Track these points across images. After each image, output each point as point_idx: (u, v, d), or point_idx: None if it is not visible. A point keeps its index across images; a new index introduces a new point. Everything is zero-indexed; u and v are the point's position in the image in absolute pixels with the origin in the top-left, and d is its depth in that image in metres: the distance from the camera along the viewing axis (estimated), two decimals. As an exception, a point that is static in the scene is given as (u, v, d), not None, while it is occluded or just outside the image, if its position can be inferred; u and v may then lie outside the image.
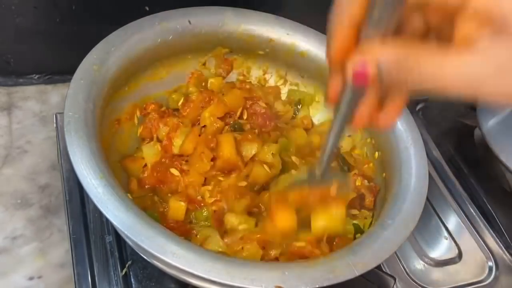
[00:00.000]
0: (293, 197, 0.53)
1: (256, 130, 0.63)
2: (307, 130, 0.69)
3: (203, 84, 0.68)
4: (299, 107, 0.72)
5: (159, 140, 0.62)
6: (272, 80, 0.73)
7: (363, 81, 0.32)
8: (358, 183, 0.63)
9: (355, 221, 0.61)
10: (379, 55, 0.31)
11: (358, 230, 0.60)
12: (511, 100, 0.32)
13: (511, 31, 0.29)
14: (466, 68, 0.30)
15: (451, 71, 0.30)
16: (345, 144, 0.69)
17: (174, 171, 0.59)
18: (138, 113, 0.64)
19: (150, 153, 0.61)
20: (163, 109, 0.64)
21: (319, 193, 0.52)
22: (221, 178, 0.59)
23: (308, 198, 0.52)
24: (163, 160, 0.60)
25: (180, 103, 0.65)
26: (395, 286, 0.60)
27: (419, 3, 0.33)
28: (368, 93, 0.36)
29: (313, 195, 0.52)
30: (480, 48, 0.30)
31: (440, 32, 0.34)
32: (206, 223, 0.57)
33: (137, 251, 0.56)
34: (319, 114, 0.72)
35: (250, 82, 0.71)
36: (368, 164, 0.66)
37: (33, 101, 0.76)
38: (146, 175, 0.60)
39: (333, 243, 0.57)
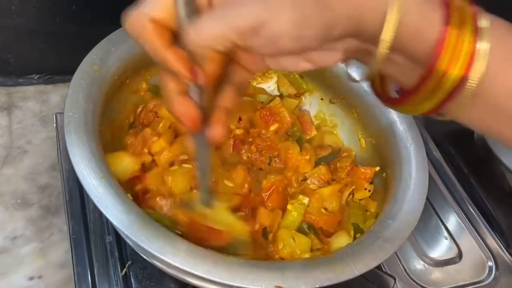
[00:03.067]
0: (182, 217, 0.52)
1: None
2: None
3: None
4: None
5: None
6: (272, 80, 0.73)
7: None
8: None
9: (354, 221, 0.61)
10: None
11: (358, 230, 0.60)
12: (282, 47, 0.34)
13: None
14: (224, 23, 0.33)
15: (212, 28, 0.34)
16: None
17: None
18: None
19: None
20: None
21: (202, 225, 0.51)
22: None
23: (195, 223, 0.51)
24: None
25: None
26: (395, 286, 0.60)
27: None
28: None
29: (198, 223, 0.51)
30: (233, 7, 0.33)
31: None
32: None
33: (137, 251, 0.56)
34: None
35: None
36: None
37: (33, 101, 0.77)
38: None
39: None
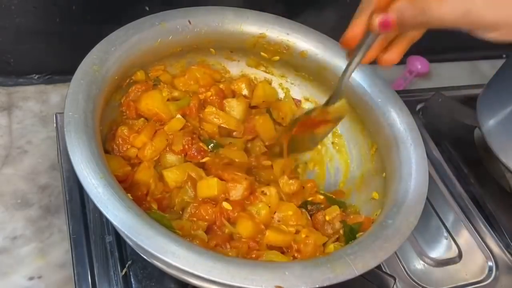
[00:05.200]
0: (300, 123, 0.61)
1: None
2: None
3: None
4: None
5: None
6: (272, 80, 0.73)
7: (387, 27, 0.45)
8: None
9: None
10: (398, 5, 0.44)
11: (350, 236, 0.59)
12: (502, 31, 0.44)
13: None
14: (460, 3, 0.43)
15: (450, 6, 0.43)
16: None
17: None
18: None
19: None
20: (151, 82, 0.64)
21: (319, 118, 0.59)
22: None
23: (311, 122, 0.60)
24: None
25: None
26: (395, 286, 0.60)
27: None
28: (379, 38, 0.49)
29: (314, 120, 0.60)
30: None
31: None
32: None
33: (137, 251, 0.56)
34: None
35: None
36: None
37: (33, 101, 0.77)
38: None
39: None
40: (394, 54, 0.51)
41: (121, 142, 0.59)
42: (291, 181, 0.63)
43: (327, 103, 0.58)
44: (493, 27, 0.44)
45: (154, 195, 0.57)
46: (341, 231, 0.60)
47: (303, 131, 0.61)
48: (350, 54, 0.52)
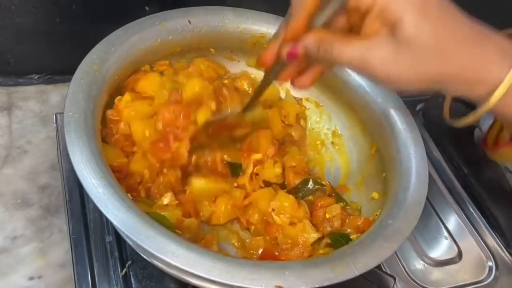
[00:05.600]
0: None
1: None
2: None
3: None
4: None
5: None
6: (272, 80, 0.73)
7: (294, 58, 0.47)
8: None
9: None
10: (306, 40, 0.46)
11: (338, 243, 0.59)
12: (392, 86, 0.45)
13: (399, 36, 0.41)
14: (360, 53, 0.43)
15: (351, 53, 0.44)
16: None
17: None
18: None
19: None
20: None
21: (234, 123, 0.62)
22: None
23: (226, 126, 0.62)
24: None
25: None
26: (395, 286, 0.60)
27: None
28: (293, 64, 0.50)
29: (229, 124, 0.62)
30: (372, 43, 0.43)
31: (357, 29, 0.46)
32: None
33: (137, 251, 0.56)
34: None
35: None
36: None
37: (33, 101, 0.77)
38: None
39: None
40: (306, 79, 0.51)
41: (111, 125, 0.59)
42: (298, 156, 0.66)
43: (244, 110, 0.60)
44: (384, 82, 0.45)
45: (147, 183, 0.58)
46: (328, 240, 0.60)
47: (218, 132, 0.62)
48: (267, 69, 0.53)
